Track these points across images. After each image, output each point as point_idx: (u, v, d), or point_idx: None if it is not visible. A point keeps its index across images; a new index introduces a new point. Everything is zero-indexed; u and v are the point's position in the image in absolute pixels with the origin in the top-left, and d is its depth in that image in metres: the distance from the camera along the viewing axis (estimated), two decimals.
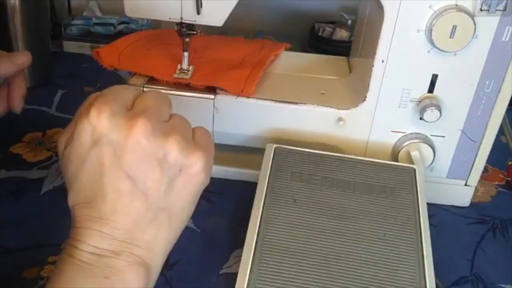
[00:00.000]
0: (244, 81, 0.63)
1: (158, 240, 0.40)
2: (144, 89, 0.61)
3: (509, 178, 0.70)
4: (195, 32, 0.61)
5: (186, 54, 0.63)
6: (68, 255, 0.38)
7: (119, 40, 0.67)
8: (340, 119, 0.61)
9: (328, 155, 0.59)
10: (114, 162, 0.38)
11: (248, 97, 0.61)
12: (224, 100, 0.62)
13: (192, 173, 0.40)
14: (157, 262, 0.41)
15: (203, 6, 0.57)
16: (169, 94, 0.62)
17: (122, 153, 0.38)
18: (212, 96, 0.62)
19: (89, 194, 0.39)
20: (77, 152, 0.39)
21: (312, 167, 0.57)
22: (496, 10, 0.53)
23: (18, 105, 0.59)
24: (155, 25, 0.92)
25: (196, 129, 0.44)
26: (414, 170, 0.58)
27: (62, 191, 0.62)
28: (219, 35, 0.76)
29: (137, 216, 0.39)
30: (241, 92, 0.61)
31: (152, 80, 0.62)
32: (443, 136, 0.61)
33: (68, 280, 0.37)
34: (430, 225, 0.53)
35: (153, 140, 0.38)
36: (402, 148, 0.61)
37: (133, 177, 0.38)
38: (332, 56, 0.75)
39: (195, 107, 0.62)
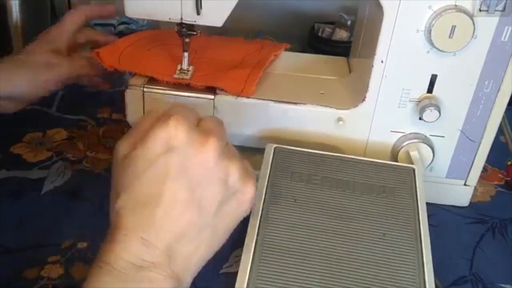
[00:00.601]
0: (244, 81, 0.63)
1: (195, 257, 0.41)
2: (144, 89, 0.62)
3: (509, 178, 0.71)
4: (195, 33, 0.61)
5: (186, 54, 0.63)
6: (105, 263, 0.38)
7: (119, 41, 0.67)
8: (339, 119, 0.61)
9: (327, 155, 0.59)
10: (180, 172, 0.39)
11: (248, 97, 0.62)
12: (224, 100, 0.62)
13: (243, 199, 0.43)
14: (188, 279, 0.41)
15: (203, 6, 0.57)
16: (169, 94, 0.62)
17: (190, 166, 0.40)
18: (212, 96, 0.62)
19: (143, 198, 0.39)
20: (145, 156, 0.40)
21: (312, 167, 0.57)
22: (495, 10, 0.54)
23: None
24: (154, 25, 0.92)
25: (244, 161, 0.45)
26: (414, 170, 0.58)
27: (62, 191, 0.63)
28: (218, 36, 0.76)
29: (185, 228, 0.40)
30: (241, 92, 0.61)
31: (152, 80, 0.62)
32: (443, 136, 0.61)
33: None
34: (430, 225, 0.53)
35: (220, 161, 0.41)
36: (401, 148, 0.61)
37: (193, 190, 0.40)
38: (331, 57, 0.75)
39: (195, 107, 0.62)
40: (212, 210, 0.41)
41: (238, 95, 0.61)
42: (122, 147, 0.42)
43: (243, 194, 0.43)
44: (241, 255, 0.48)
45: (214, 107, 0.62)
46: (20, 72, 0.61)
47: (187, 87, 0.62)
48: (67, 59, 0.65)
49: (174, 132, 0.40)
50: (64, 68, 0.64)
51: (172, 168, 0.39)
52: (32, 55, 0.63)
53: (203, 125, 0.43)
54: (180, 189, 0.39)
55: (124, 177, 0.41)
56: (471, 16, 0.53)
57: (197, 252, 0.41)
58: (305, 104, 0.62)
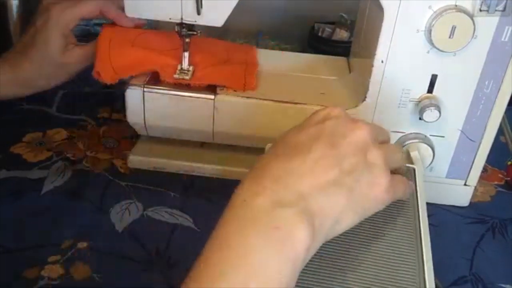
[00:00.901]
0: (243, 77, 0.63)
1: (329, 216, 0.41)
2: (144, 89, 0.62)
3: (509, 178, 0.71)
4: (195, 33, 0.61)
5: (186, 54, 0.63)
6: (242, 200, 0.39)
7: (100, 51, 0.65)
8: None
9: None
10: (330, 133, 0.43)
11: (253, 89, 0.63)
12: (224, 100, 0.62)
13: (375, 183, 0.44)
14: (320, 238, 0.41)
15: (203, 6, 0.57)
16: (170, 94, 0.62)
17: (340, 134, 0.43)
18: (212, 96, 0.62)
19: (293, 149, 0.43)
20: (308, 122, 0.46)
21: None
22: (496, 10, 0.54)
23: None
24: (154, 25, 0.92)
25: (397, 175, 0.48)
26: (414, 170, 0.58)
27: (62, 191, 0.63)
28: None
29: (324, 179, 0.41)
30: (244, 87, 0.62)
31: (152, 80, 0.62)
32: (443, 136, 0.61)
33: (237, 227, 0.38)
34: (430, 225, 0.53)
35: (368, 141, 0.44)
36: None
37: (336, 149, 0.42)
38: (331, 57, 0.75)
39: (195, 107, 0.62)
40: (350, 172, 0.42)
41: (242, 90, 0.62)
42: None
43: (376, 179, 0.44)
44: None
45: (214, 107, 0.62)
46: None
47: (187, 87, 0.62)
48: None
49: (333, 109, 0.45)
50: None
51: (325, 131, 0.43)
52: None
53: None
54: (325, 146, 0.42)
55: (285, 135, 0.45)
56: (471, 16, 0.53)
57: (332, 210, 0.41)
58: (305, 104, 0.62)
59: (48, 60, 0.64)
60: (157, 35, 0.68)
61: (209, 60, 0.66)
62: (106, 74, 0.62)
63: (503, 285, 0.56)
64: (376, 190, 0.44)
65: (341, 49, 0.80)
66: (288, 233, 0.38)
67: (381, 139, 0.48)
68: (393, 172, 0.47)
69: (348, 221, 0.43)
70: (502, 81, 0.57)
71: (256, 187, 0.40)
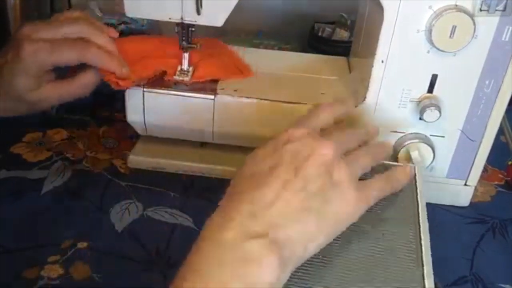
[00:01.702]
0: (235, 66, 0.64)
1: (299, 244, 0.42)
2: (144, 89, 0.62)
3: (509, 178, 0.71)
4: (195, 46, 0.62)
5: (186, 55, 0.63)
6: (212, 233, 0.40)
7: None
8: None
9: None
10: (292, 157, 0.43)
11: (251, 75, 0.64)
12: (224, 100, 0.62)
13: (345, 199, 0.45)
14: (290, 268, 0.41)
15: (203, 6, 0.57)
16: (170, 94, 0.62)
17: (302, 157, 0.43)
18: (212, 96, 0.62)
19: (256, 180, 0.43)
20: (270, 145, 0.46)
21: None
22: (496, 10, 0.54)
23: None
24: (154, 25, 0.92)
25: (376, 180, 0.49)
26: (414, 170, 0.58)
27: (62, 191, 0.63)
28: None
29: (292, 205, 0.41)
30: (242, 74, 0.64)
31: (152, 80, 0.62)
32: (443, 136, 0.61)
33: (207, 260, 0.39)
34: (430, 224, 0.53)
35: (333, 159, 0.44)
36: (401, 148, 0.61)
37: (301, 173, 0.42)
38: (331, 56, 0.75)
39: (195, 107, 0.62)
40: (317, 194, 0.42)
41: (242, 78, 0.64)
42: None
43: (344, 195, 0.44)
44: None
45: (214, 107, 0.62)
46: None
47: (187, 86, 0.62)
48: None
49: (295, 131, 0.46)
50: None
51: (287, 155, 0.43)
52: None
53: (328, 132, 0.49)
54: (288, 171, 0.42)
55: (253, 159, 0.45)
56: (471, 16, 0.53)
57: (302, 237, 0.42)
58: (305, 104, 0.62)
59: (14, 96, 0.58)
60: (154, 41, 0.68)
61: (201, 58, 0.66)
62: (121, 80, 0.60)
63: (503, 285, 0.56)
64: (346, 207, 0.45)
65: (341, 49, 0.80)
66: (257, 266, 0.38)
67: (355, 144, 0.48)
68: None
69: (318, 244, 0.44)
70: (502, 81, 0.57)
71: (224, 221, 0.40)
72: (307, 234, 0.42)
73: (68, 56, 0.58)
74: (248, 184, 0.43)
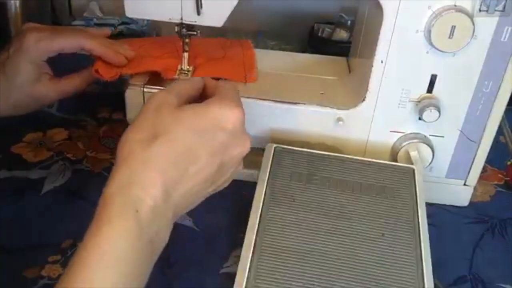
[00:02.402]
0: (243, 70, 0.64)
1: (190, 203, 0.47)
2: (144, 89, 0.62)
3: (508, 178, 0.71)
4: (195, 33, 0.61)
5: (185, 55, 0.63)
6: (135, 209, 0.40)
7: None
8: (339, 119, 0.61)
9: (327, 155, 0.59)
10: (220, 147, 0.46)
11: (253, 81, 0.64)
12: None
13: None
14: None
15: (203, 6, 0.57)
16: None
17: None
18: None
19: (182, 152, 0.44)
20: (201, 117, 0.46)
21: (312, 167, 0.57)
22: (495, 10, 0.54)
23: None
24: (154, 26, 0.92)
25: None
26: (413, 170, 0.58)
27: (62, 191, 0.63)
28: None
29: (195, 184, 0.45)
30: (245, 79, 0.63)
31: (152, 80, 0.63)
32: (442, 136, 0.61)
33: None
34: (429, 224, 0.53)
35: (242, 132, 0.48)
36: (401, 148, 0.61)
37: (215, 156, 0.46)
38: (331, 57, 0.75)
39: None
40: (213, 190, 0.48)
41: (244, 82, 0.63)
42: (172, 99, 0.46)
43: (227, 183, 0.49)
44: (240, 255, 0.48)
45: None
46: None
47: None
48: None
49: (233, 118, 0.46)
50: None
51: (216, 143, 0.45)
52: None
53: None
54: (212, 162, 0.45)
55: (173, 125, 0.44)
56: (470, 16, 0.53)
57: (182, 213, 0.46)
58: (305, 104, 0.62)
59: (17, 90, 0.60)
60: (155, 42, 0.68)
61: (207, 59, 0.66)
62: (105, 71, 0.62)
63: (502, 285, 0.56)
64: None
65: (341, 49, 0.80)
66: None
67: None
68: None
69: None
70: (501, 81, 0.57)
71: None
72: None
73: (70, 44, 0.61)
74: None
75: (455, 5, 0.54)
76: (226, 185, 0.50)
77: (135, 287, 0.39)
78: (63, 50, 0.62)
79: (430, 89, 0.59)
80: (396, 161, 0.61)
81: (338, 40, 0.88)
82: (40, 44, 0.60)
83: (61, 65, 0.64)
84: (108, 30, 0.67)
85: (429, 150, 0.61)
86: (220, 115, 0.45)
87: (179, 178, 0.43)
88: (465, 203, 0.66)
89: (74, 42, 0.61)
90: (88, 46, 0.61)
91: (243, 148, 0.48)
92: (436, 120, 0.59)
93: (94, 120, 0.75)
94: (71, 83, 0.64)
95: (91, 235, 0.39)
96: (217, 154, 0.45)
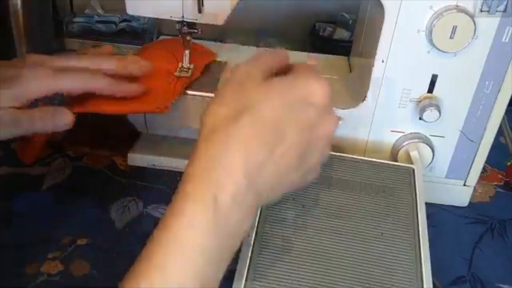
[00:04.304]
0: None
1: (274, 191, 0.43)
2: None
3: (508, 179, 0.71)
4: (195, 31, 0.61)
5: (187, 52, 0.63)
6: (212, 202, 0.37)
7: None
8: (339, 118, 0.61)
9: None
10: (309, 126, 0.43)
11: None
12: None
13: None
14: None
15: (204, 5, 0.57)
16: None
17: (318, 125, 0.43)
18: (213, 95, 0.62)
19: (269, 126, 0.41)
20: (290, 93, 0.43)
21: None
22: (497, 11, 0.54)
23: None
24: (156, 23, 0.92)
25: None
26: (413, 170, 0.58)
27: (62, 188, 0.63)
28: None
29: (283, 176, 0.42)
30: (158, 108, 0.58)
31: None
32: (443, 136, 0.61)
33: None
34: (429, 224, 0.53)
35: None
36: (401, 148, 0.61)
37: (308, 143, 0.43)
38: (332, 56, 0.75)
39: (196, 105, 0.62)
40: (303, 172, 0.43)
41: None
42: (256, 73, 0.43)
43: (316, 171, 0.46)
44: (239, 254, 0.48)
45: None
46: None
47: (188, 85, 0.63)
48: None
49: (324, 92, 0.43)
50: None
51: (305, 119, 0.41)
52: None
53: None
54: (300, 139, 0.41)
55: (261, 100, 0.41)
56: (472, 17, 0.53)
57: (268, 198, 0.42)
58: None
59: None
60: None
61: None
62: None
63: (501, 285, 0.56)
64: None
65: (342, 49, 0.80)
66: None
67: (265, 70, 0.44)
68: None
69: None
70: (502, 82, 0.57)
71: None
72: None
73: (75, 83, 0.53)
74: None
75: (457, 5, 0.54)
76: (314, 176, 0.45)
77: (213, 277, 0.37)
78: (65, 91, 0.54)
79: (430, 89, 0.59)
80: (396, 160, 0.61)
81: (339, 40, 0.88)
82: (41, 81, 0.51)
83: None
84: (110, 48, 0.59)
85: (429, 150, 0.61)
86: (310, 88, 0.42)
87: (265, 159, 0.39)
88: (465, 203, 0.66)
89: (81, 83, 0.53)
90: (94, 85, 0.54)
91: (331, 127, 0.43)
92: (437, 120, 0.59)
93: (95, 117, 0.75)
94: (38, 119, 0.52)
95: (165, 227, 0.37)
96: (305, 131, 0.41)
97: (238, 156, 0.38)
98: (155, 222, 0.59)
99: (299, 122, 0.41)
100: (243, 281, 0.46)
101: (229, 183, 0.38)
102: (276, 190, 0.42)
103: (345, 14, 0.89)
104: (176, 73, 0.63)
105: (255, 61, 0.44)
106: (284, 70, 0.45)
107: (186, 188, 0.38)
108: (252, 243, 0.49)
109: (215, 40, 0.78)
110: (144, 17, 0.92)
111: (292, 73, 0.44)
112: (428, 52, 0.56)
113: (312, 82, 0.43)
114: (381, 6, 0.55)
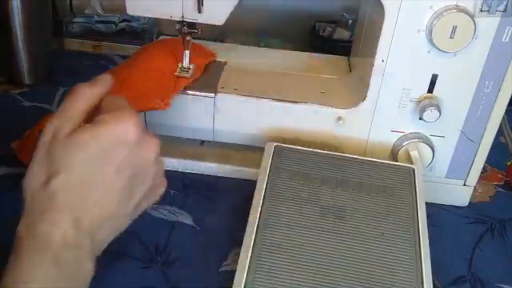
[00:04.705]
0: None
1: (107, 239, 0.46)
2: None
3: (508, 179, 0.71)
4: (195, 31, 0.61)
5: (187, 52, 0.63)
6: (34, 240, 0.41)
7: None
8: (340, 118, 0.61)
9: (327, 154, 0.59)
10: (124, 164, 0.44)
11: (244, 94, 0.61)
12: (224, 99, 0.62)
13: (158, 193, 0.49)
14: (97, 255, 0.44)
15: (204, 4, 0.57)
16: None
17: (134, 160, 0.44)
18: (213, 95, 0.62)
19: (84, 180, 0.42)
20: (97, 143, 0.43)
21: (312, 166, 0.57)
22: (496, 10, 0.54)
23: None
24: (156, 23, 0.92)
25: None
26: (413, 170, 0.58)
27: None
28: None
29: (112, 214, 0.44)
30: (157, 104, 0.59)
31: None
32: (443, 136, 0.61)
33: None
34: (429, 224, 0.53)
35: (157, 160, 0.46)
36: (401, 148, 0.61)
37: (130, 181, 0.44)
38: (332, 56, 0.75)
39: (196, 105, 0.62)
40: (138, 202, 0.45)
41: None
42: (63, 126, 0.43)
43: (160, 189, 0.48)
44: (240, 254, 0.48)
45: (214, 105, 0.62)
46: None
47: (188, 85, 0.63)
48: None
49: (131, 129, 0.43)
50: None
51: (119, 160, 0.43)
52: None
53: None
54: (120, 178, 0.43)
55: (66, 157, 0.42)
56: (472, 17, 0.53)
57: (110, 235, 0.45)
58: (305, 103, 0.62)
59: None
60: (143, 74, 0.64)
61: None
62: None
63: (501, 285, 0.56)
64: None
65: (342, 49, 0.80)
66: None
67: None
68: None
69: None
70: (502, 82, 0.57)
71: (46, 226, 0.41)
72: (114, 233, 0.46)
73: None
74: None
75: (457, 5, 0.54)
76: (161, 190, 0.48)
77: None
78: None
79: (430, 89, 0.59)
80: (396, 160, 0.61)
81: (339, 39, 0.88)
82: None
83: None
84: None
85: (429, 150, 0.61)
86: (117, 131, 0.43)
87: (87, 205, 0.42)
88: (465, 203, 0.66)
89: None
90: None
91: (152, 150, 0.45)
92: (437, 120, 0.59)
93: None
94: None
95: (9, 273, 0.39)
96: (123, 169, 0.43)
97: (58, 209, 0.41)
98: (155, 222, 0.60)
99: (112, 164, 0.42)
100: (244, 280, 0.46)
101: (56, 229, 0.40)
102: (117, 222, 0.45)
103: (345, 14, 0.90)
104: (176, 73, 0.63)
105: (64, 112, 0.44)
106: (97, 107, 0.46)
107: (20, 242, 0.41)
108: (252, 243, 0.49)
109: (215, 40, 0.78)
110: (144, 17, 0.92)
111: (102, 116, 0.44)
112: (428, 52, 0.56)
113: (120, 123, 0.43)
114: (381, 6, 0.55)
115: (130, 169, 0.43)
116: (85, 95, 0.45)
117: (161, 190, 0.48)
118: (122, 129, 0.43)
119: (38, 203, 0.42)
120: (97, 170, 0.42)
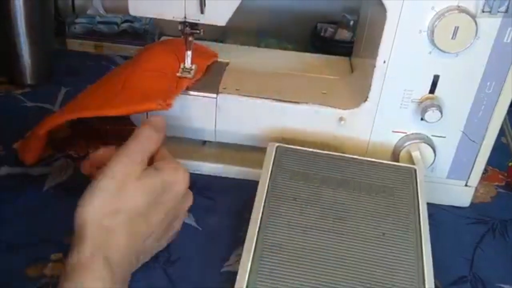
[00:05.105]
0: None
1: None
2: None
3: (509, 179, 0.71)
4: (198, 31, 0.61)
5: (189, 53, 0.63)
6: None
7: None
8: (341, 118, 0.61)
9: (329, 154, 0.59)
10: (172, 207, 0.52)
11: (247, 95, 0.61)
12: (226, 99, 0.62)
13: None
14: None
15: (206, 5, 0.57)
16: None
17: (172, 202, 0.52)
18: (214, 95, 0.62)
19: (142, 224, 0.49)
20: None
21: (313, 166, 0.57)
22: (498, 11, 0.54)
23: None
24: (157, 24, 0.92)
25: None
26: (415, 170, 0.58)
27: (64, 188, 0.63)
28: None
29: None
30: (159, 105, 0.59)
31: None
32: (444, 137, 0.61)
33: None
34: (430, 224, 0.53)
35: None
36: (403, 148, 0.61)
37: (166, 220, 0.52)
38: (333, 56, 0.75)
39: (197, 105, 0.63)
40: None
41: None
42: (134, 171, 0.49)
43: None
44: (241, 254, 0.48)
45: (216, 105, 0.62)
46: None
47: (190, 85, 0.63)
48: None
49: (185, 182, 0.51)
50: None
51: (169, 207, 0.50)
52: None
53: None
54: (164, 221, 0.51)
55: (136, 197, 0.48)
56: (473, 17, 0.53)
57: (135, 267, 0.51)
58: (307, 103, 0.62)
59: None
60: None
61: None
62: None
63: (503, 286, 0.56)
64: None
65: (343, 49, 0.80)
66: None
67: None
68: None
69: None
70: (504, 82, 0.58)
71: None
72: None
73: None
74: None
75: (458, 6, 0.54)
76: (177, 227, 0.55)
77: None
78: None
79: (432, 89, 0.59)
80: (397, 161, 0.61)
81: (341, 40, 0.88)
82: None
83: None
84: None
85: (431, 150, 0.61)
86: (174, 178, 0.50)
87: (135, 244, 0.48)
88: (466, 203, 0.66)
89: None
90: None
91: (187, 205, 0.53)
92: (438, 120, 0.59)
93: (97, 117, 0.75)
94: None
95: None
96: (170, 213, 0.50)
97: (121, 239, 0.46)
98: None
99: (165, 212, 0.50)
100: (245, 281, 0.46)
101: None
102: (147, 253, 0.52)
103: (347, 15, 0.90)
104: (178, 74, 0.63)
105: (133, 154, 0.49)
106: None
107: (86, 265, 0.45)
108: (253, 244, 0.49)
109: (215, 41, 0.79)
110: (146, 18, 0.92)
111: (156, 162, 0.51)
112: (430, 52, 0.56)
113: (175, 173, 0.50)
114: (382, 7, 0.55)
115: (173, 214, 0.51)
116: (152, 140, 0.51)
117: (178, 227, 0.55)
118: (179, 178, 0.50)
119: (100, 235, 0.46)
120: (153, 211, 0.49)
